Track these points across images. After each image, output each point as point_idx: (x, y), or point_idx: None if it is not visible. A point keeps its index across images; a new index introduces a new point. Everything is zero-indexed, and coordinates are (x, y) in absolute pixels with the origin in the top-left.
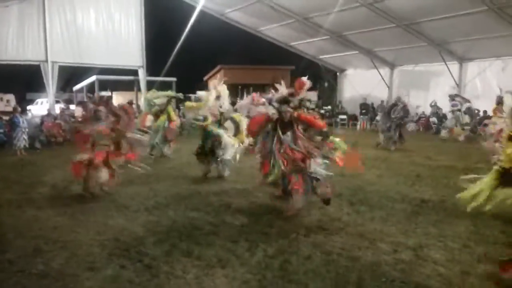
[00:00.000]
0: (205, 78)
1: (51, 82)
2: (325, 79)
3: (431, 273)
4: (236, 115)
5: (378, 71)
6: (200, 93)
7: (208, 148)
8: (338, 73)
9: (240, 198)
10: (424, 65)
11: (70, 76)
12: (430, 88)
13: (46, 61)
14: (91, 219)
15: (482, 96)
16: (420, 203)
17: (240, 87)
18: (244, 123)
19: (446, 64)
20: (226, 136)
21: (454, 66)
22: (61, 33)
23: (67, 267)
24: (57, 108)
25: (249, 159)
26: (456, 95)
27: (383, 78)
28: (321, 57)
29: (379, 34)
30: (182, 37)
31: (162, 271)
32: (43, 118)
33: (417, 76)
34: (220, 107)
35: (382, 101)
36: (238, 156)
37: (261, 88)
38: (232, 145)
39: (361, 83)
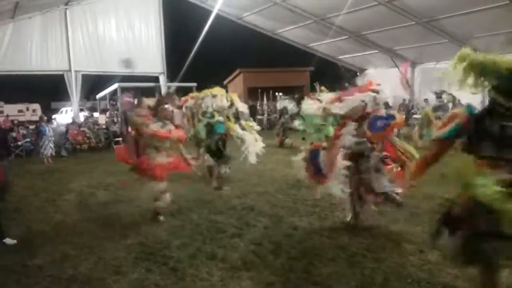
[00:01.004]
0: (225, 82)
1: (74, 91)
2: (346, 79)
3: (458, 274)
4: (245, 123)
5: (399, 70)
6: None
7: (215, 147)
8: (358, 73)
9: (263, 201)
10: (446, 62)
11: (93, 84)
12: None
13: (70, 70)
14: (116, 224)
15: None
16: (445, 202)
17: (260, 90)
18: (250, 134)
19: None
20: (240, 130)
21: None
22: (83, 43)
23: (95, 271)
24: (81, 116)
25: (270, 161)
26: (443, 92)
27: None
28: (340, 57)
29: (398, 32)
30: (199, 42)
31: (187, 274)
32: (68, 126)
33: (439, 74)
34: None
35: (404, 100)
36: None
37: (282, 90)
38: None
39: (382, 82)
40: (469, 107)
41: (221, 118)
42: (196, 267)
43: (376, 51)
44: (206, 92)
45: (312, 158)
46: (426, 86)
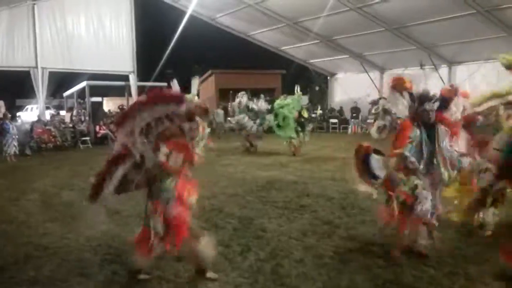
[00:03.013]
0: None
1: (41, 88)
2: (316, 83)
3: (421, 275)
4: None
5: (368, 75)
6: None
7: None
8: (328, 77)
9: (232, 203)
10: (413, 68)
11: (60, 82)
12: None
13: (36, 67)
14: (82, 225)
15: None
16: None
17: (231, 91)
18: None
19: (435, 67)
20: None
21: (443, 69)
22: (51, 39)
23: (58, 273)
24: (48, 114)
25: (241, 163)
26: (380, 99)
27: (373, 82)
28: (311, 61)
29: (368, 38)
30: (173, 42)
31: (154, 277)
32: (33, 124)
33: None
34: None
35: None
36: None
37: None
38: None
39: (351, 87)
40: None
41: None
42: (163, 269)
43: (347, 56)
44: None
45: (364, 160)
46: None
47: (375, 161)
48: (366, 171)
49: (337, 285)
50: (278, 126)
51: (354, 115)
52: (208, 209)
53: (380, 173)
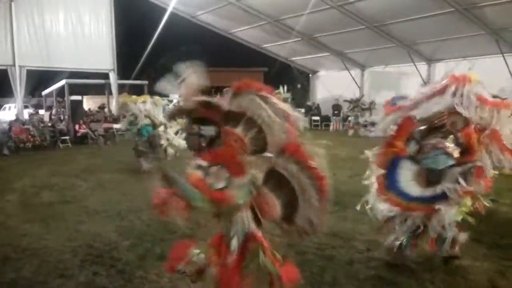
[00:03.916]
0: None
1: (19, 86)
2: (298, 81)
3: (402, 270)
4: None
5: (350, 73)
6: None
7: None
8: (310, 75)
9: None
10: (393, 66)
11: (38, 80)
12: (401, 88)
13: (14, 65)
14: (62, 225)
15: None
16: None
17: (213, 89)
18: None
19: (415, 64)
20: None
21: (422, 66)
22: (29, 37)
23: (38, 275)
24: (26, 113)
25: None
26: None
27: (354, 79)
28: (293, 59)
29: (349, 36)
30: (153, 40)
31: (136, 276)
32: (11, 124)
33: (387, 77)
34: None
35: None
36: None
37: None
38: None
39: (333, 85)
40: None
41: (147, 122)
42: (145, 269)
43: (328, 53)
44: (136, 98)
45: (391, 167)
46: (374, 89)
47: (407, 169)
48: (391, 183)
49: (319, 281)
50: None
51: (335, 112)
52: None
53: (411, 189)
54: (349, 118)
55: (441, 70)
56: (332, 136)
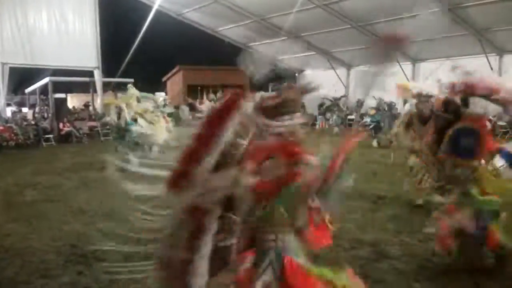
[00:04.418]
0: (164, 79)
1: (1, 84)
2: (285, 80)
3: (387, 268)
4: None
5: (335, 72)
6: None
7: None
8: (296, 74)
9: None
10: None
11: (22, 78)
12: (386, 88)
13: None
14: (45, 225)
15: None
16: (376, 199)
17: (199, 88)
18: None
19: (399, 64)
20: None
21: (407, 66)
22: (11, 34)
23: (21, 275)
24: (9, 111)
25: None
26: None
27: (340, 79)
28: (279, 58)
29: (335, 35)
30: (139, 38)
31: (121, 276)
32: None
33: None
34: None
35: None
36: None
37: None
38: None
39: (319, 84)
40: None
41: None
42: (130, 269)
43: (314, 53)
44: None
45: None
46: (359, 88)
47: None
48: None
49: None
50: None
51: (321, 111)
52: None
53: None
54: (334, 117)
55: (426, 70)
56: (318, 135)
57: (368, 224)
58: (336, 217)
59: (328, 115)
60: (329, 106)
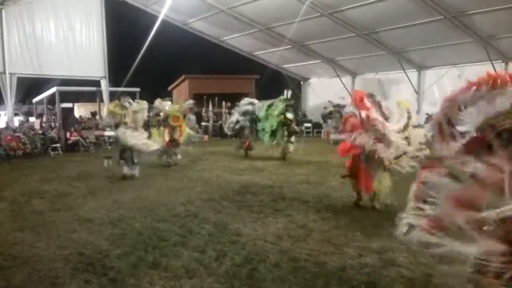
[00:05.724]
0: (169, 88)
1: (9, 94)
2: (289, 88)
3: (395, 276)
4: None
5: (341, 80)
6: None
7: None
8: (301, 82)
9: (207, 208)
10: (384, 73)
11: (29, 87)
12: (391, 95)
13: (4, 72)
14: (53, 233)
15: (440, 102)
16: (384, 208)
17: (205, 96)
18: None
19: (405, 72)
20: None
21: (413, 74)
22: (19, 44)
23: (29, 283)
24: (16, 121)
25: (216, 168)
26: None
27: (345, 87)
28: (284, 66)
29: (340, 43)
30: (145, 47)
31: (128, 284)
32: (1, 131)
33: (378, 84)
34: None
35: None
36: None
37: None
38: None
39: (324, 92)
40: None
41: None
42: (137, 277)
43: (319, 61)
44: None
45: None
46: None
47: None
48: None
49: (312, 287)
50: (267, 130)
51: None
52: (183, 215)
53: None
54: (333, 124)
55: (431, 77)
56: (323, 142)
57: (375, 232)
58: None
59: (329, 121)
60: (332, 112)
